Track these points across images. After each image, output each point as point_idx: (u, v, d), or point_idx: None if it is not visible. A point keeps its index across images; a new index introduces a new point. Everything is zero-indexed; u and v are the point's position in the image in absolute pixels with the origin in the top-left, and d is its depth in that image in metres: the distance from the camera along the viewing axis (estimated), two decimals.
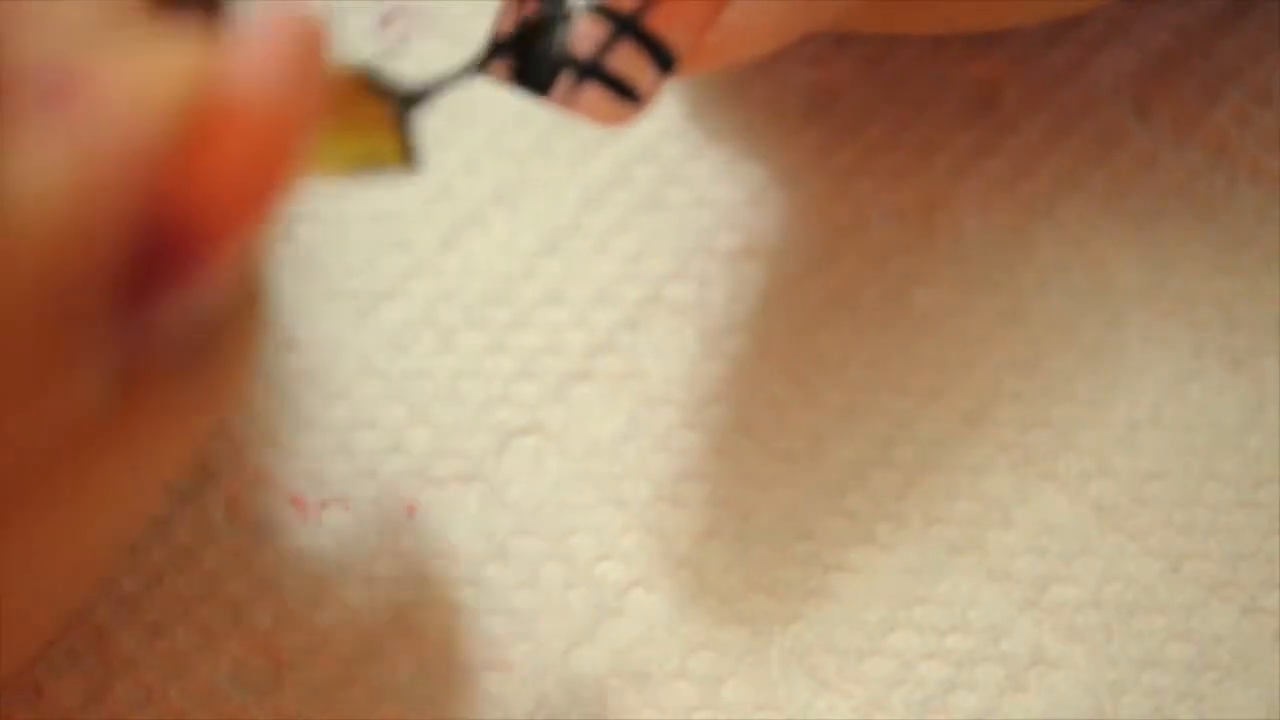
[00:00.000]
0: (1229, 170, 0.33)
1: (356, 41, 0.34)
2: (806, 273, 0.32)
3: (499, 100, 0.34)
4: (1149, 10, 0.34)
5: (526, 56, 0.27)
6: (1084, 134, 0.33)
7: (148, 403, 0.21)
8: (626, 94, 0.27)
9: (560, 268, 0.32)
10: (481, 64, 0.27)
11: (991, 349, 0.32)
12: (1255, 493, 0.31)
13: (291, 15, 0.21)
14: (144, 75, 0.20)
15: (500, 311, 0.32)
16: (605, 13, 0.27)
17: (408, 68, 0.34)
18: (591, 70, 0.27)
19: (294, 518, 0.30)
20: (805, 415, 0.31)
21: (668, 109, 0.33)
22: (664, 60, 0.27)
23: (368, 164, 0.24)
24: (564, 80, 0.27)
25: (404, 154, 0.25)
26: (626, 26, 0.27)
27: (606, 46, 0.27)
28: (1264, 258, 0.32)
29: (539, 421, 0.31)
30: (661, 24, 0.27)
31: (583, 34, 0.27)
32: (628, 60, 0.27)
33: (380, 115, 0.24)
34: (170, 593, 0.30)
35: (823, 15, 0.28)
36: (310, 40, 0.21)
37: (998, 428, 0.31)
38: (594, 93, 0.27)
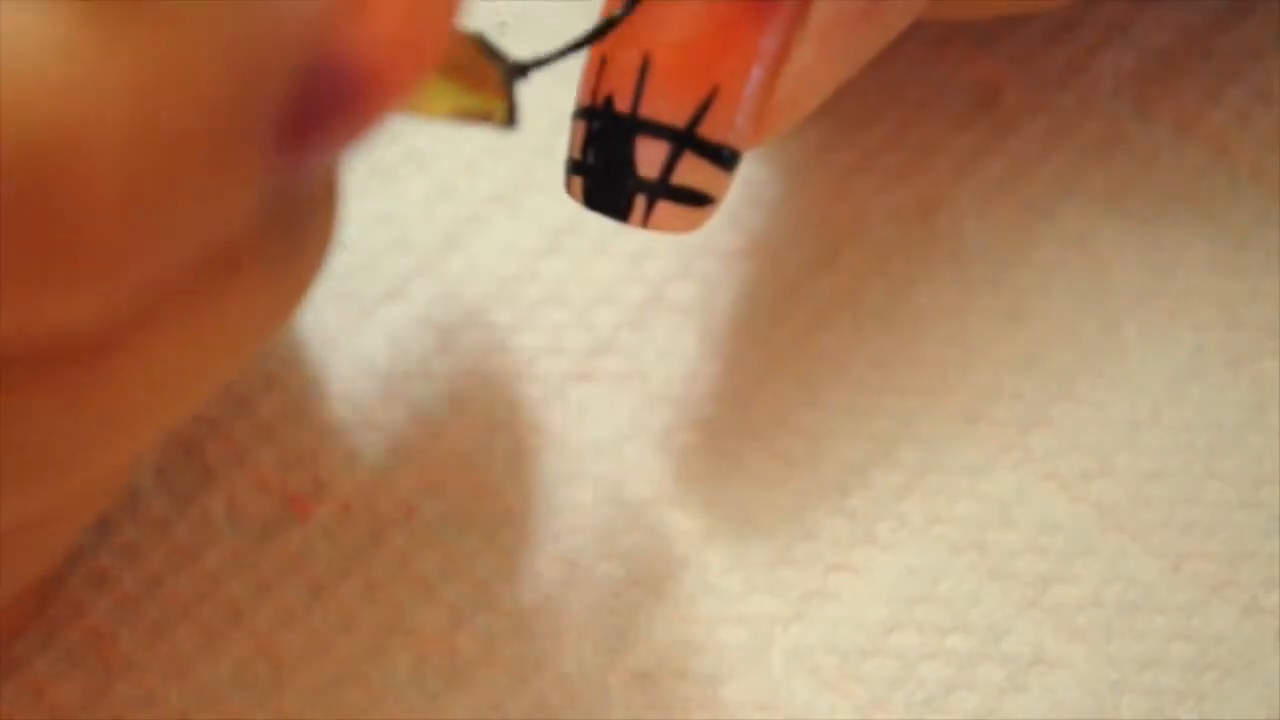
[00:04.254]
0: (1229, 170, 0.33)
1: None
2: (807, 273, 0.32)
3: None
4: (1149, 10, 0.34)
5: (599, 181, 0.28)
6: (1084, 134, 0.33)
7: (248, 261, 0.22)
8: (699, 200, 0.27)
9: (561, 268, 0.32)
10: (565, 184, 0.28)
11: (991, 349, 0.32)
12: (1256, 492, 0.31)
13: None
14: None
15: (501, 312, 0.32)
16: (661, 131, 0.27)
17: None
18: (661, 189, 0.27)
19: (294, 518, 0.31)
20: (806, 415, 0.31)
21: None
22: (727, 159, 0.27)
23: (473, 115, 0.26)
24: (638, 204, 0.27)
25: (508, 114, 0.26)
26: (684, 140, 0.27)
27: (670, 163, 0.27)
28: (1264, 258, 0.32)
29: (540, 421, 0.31)
30: (716, 130, 0.27)
31: (645, 156, 0.27)
32: (693, 171, 0.27)
33: (490, 75, 0.26)
34: (171, 593, 0.30)
35: (870, 54, 0.28)
36: None
37: (998, 428, 0.31)
38: (668, 210, 0.28)
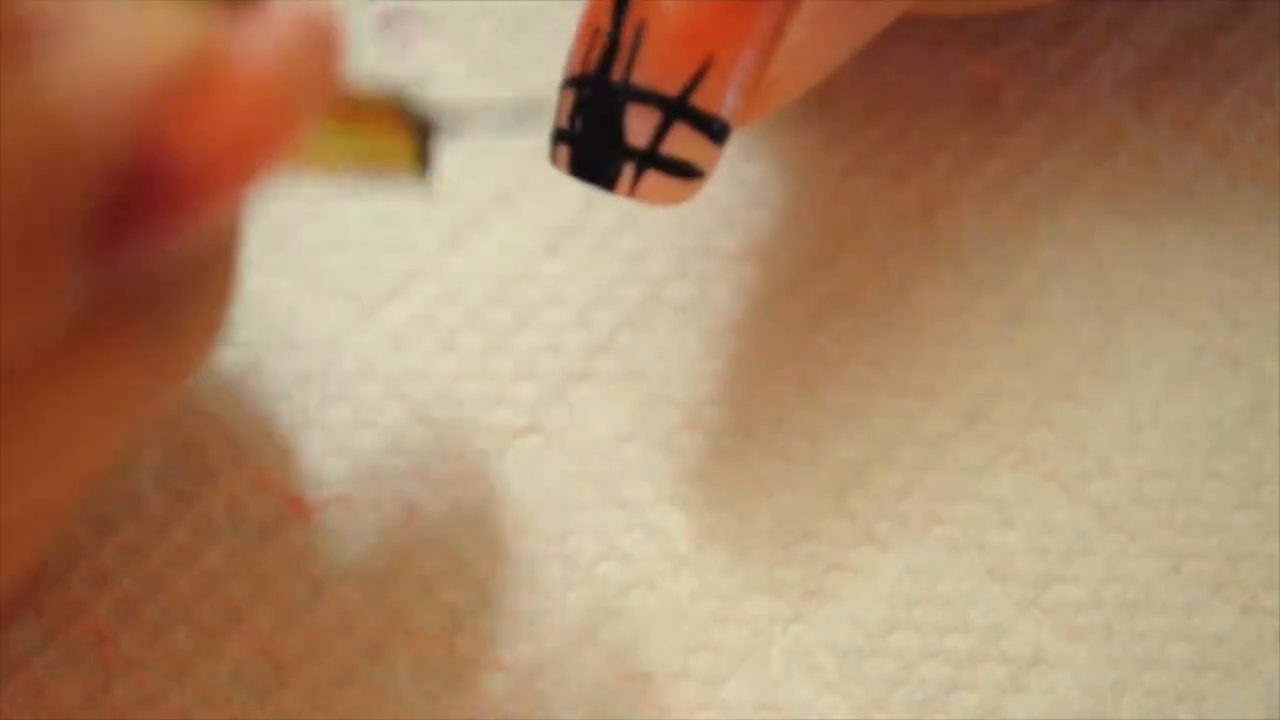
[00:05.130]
0: (1229, 170, 0.33)
1: (358, 43, 0.34)
2: (806, 273, 0.32)
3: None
4: (1149, 10, 0.34)
5: (587, 149, 0.27)
6: (1084, 134, 0.33)
7: (106, 346, 0.22)
8: (688, 172, 0.27)
9: (561, 268, 0.32)
10: (550, 154, 0.28)
11: (991, 349, 0.32)
12: (1256, 492, 0.31)
13: (309, 9, 0.21)
14: (143, 28, 0.20)
15: (501, 312, 0.32)
16: (653, 100, 0.27)
17: (409, 70, 0.34)
18: (650, 158, 0.27)
19: (294, 518, 0.31)
20: (805, 415, 0.31)
21: None
22: (717, 132, 0.27)
23: (378, 167, 0.25)
24: (626, 173, 0.27)
25: (417, 164, 0.25)
26: (676, 110, 0.27)
27: (660, 133, 0.27)
28: (1264, 258, 0.32)
29: (539, 422, 0.31)
30: (708, 101, 0.27)
31: (636, 125, 0.27)
32: (683, 142, 0.27)
33: (398, 124, 0.25)
34: (171, 594, 0.30)
35: (864, 38, 0.28)
36: (322, 35, 0.21)
37: (998, 428, 0.31)
38: (656, 180, 0.27)
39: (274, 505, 0.31)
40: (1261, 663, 0.30)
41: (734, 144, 0.32)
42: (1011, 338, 0.32)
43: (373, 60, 0.34)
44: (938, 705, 0.29)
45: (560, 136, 0.28)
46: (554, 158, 0.28)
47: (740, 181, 0.33)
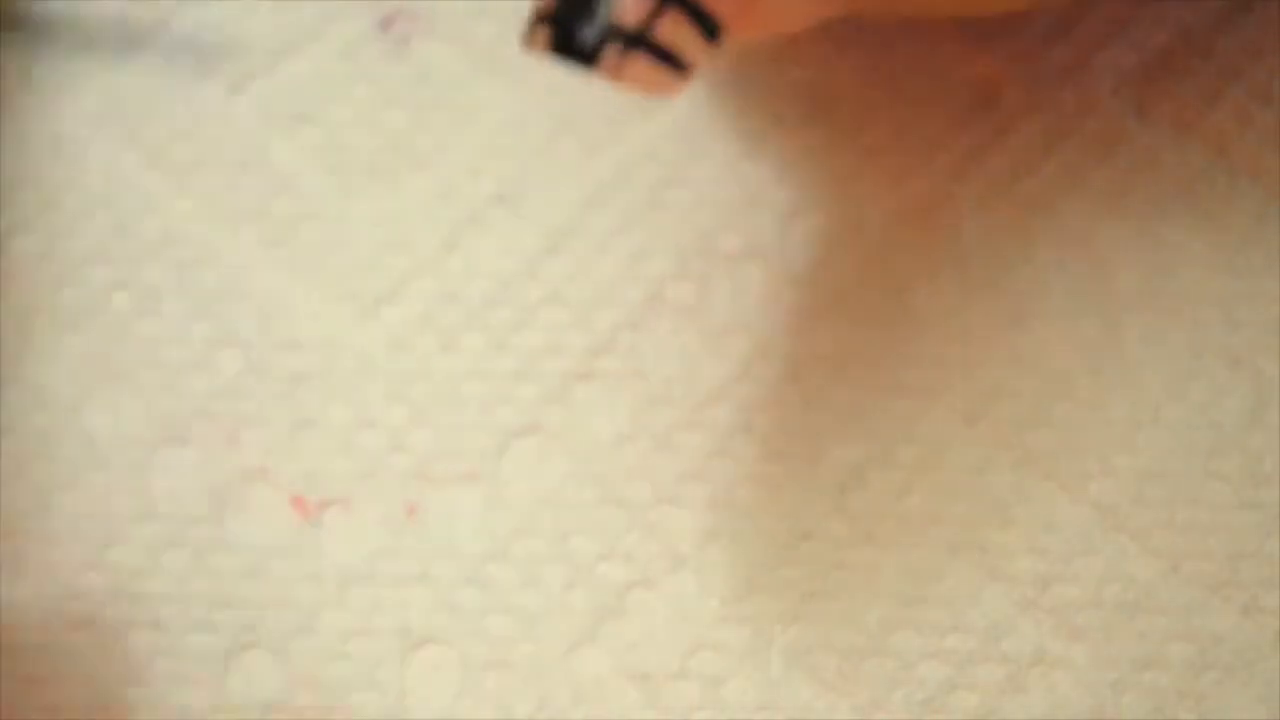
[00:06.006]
0: (1229, 170, 0.33)
1: (358, 43, 0.34)
2: (806, 273, 0.32)
3: (499, 101, 0.34)
4: (1149, 10, 0.34)
5: (571, 27, 0.26)
6: (1084, 134, 0.33)
7: None
8: (674, 63, 0.26)
9: (561, 268, 0.32)
10: (525, 38, 0.26)
11: (991, 349, 0.32)
12: (1255, 493, 0.31)
13: None
14: None
15: (501, 312, 0.32)
16: None
17: (409, 70, 0.34)
18: (639, 40, 0.26)
19: (294, 518, 0.31)
20: (805, 415, 0.31)
21: (669, 110, 0.33)
22: (710, 28, 0.27)
23: None
24: (611, 51, 0.26)
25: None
26: None
27: (653, 16, 0.26)
28: (1264, 258, 0.32)
29: (539, 421, 0.31)
30: None
31: (629, 4, 0.26)
32: (674, 30, 0.26)
33: None
34: (172, 593, 0.30)
35: None
36: None
37: (998, 428, 0.31)
38: (641, 63, 0.26)
39: (274, 505, 0.31)
40: (1261, 663, 0.30)
41: (734, 144, 0.32)
42: (1011, 338, 0.32)
43: (372, 60, 0.34)
44: (938, 705, 0.29)
45: (541, 18, 0.26)
46: (531, 40, 0.27)
47: (740, 181, 0.33)
